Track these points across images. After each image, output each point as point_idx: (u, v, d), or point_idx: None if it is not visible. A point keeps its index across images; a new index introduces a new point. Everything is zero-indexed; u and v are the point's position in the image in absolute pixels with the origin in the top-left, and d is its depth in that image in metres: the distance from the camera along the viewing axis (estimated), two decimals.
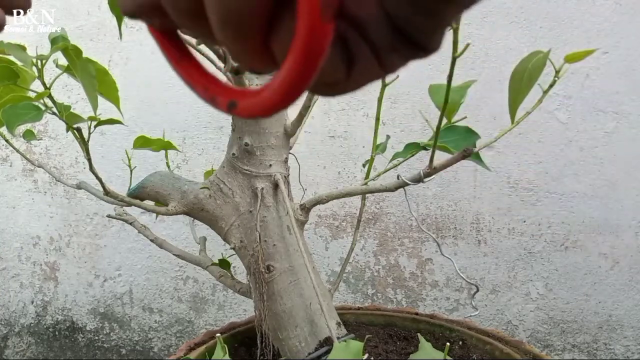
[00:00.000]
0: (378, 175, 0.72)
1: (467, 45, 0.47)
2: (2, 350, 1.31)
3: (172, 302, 1.22)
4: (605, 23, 1.00)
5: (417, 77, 1.06)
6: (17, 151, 0.77)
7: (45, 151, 1.25)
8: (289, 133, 0.65)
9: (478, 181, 1.07)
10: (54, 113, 0.51)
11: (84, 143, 0.54)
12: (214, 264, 0.74)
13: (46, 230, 1.27)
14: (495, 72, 1.05)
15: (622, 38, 1.00)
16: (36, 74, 0.49)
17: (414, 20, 0.15)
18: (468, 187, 1.07)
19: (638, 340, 1.04)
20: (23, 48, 0.48)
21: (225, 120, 1.15)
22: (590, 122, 1.03)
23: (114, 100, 0.55)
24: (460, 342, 0.73)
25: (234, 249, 0.66)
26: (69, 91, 1.22)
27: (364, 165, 0.74)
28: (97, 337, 1.26)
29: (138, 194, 0.70)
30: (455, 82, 0.52)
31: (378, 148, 0.70)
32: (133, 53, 1.18)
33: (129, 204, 0.65)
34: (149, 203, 0.68)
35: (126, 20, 1.16)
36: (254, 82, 0.62)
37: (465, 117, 0.60)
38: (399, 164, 0.70)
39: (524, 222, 1.06)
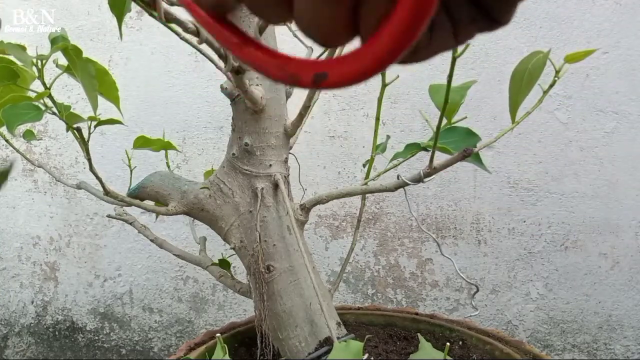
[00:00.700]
0: (378, 175, 0.72)
1: (467, 45, 0.47)
2: (2, 350, 1.31)
3: (172, 302, 1.22)
4: (605, 23, 1.00)
5: (417, 77, 1.07)
6: (17, 151, 0.77)
7: (45, 151, 1.25)
8: (289, 133, 0.65)
9: (478, 181, 1.07)
10: (54, 113, 0.51)
11: (84, 143, 0.54)
12: (214, 264, 0.74)
13: (46, 230, 1.27)
14: (495, 72, 1.05)
15: (622, 38, 1.00)
16: (36, 74, 0.49)
17: None
18: (468, 187, 1.07)
19: (638, 340, 1.04)
20: (23, 48, 0.48)
21: (225, 120, 1.15)
22: (590, 122, 1.03)
23: (114, 100, 0.55)
24: (460, 342, 0.73)
25: (234, 249, 0.66)
26: (69, 91, 1.22)
27: (364, 165, 0.74)
28: (97, 337, 1.26)
29: (138, 194, 0.70)
30: (455, 82, 0.52)
31: (378, 148, 0.70)
32: (133, 53, 1.18)
33: (129, 204, 0.65)
34: (149, 203, 0.68)
35: (126, 20, 1.16)
36: (254, 81, 0.62)
37: (465, 117, 0.60)
38: (399, 164, 0.70)
39: (524, 222, 1.06)
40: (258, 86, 0.62)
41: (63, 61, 0.50)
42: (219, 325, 1.03)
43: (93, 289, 1.26)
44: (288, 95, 0.68)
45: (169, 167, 0.79)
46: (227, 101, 0.64)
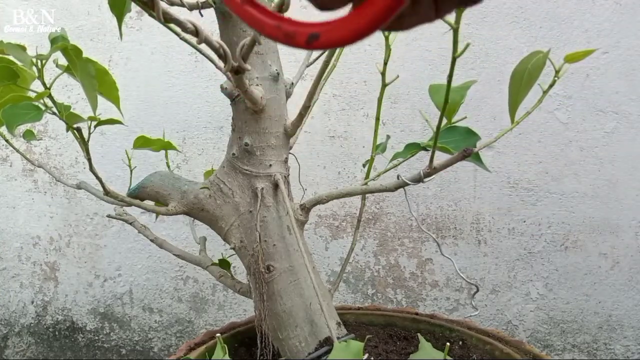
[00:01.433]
0: (378, 175, 0.72)
1: (467, 45, 0.47)
2: (2, 350, 1.31)
3: (172, 302, 1.22)
4: (605, 23, 1.00)
5: (417, 77, 1.07)
6: (17, 151, 0.77)
7: (45, 151, 1.25)
8: (289, 133, 0.65)
9: (478, 181, 1.07)
10: (54, 113, 0.51)
11: (84, 143, 0.54)
12: (214, 264, 0.74)
13: (46, 230, 1.27)
14: (495, 72, 1.05)
15: (622, 38, 1.00)
16: (36, 74, 0.49)
17: None
18: (468, 187, 1.07)
19: (638, 340, 1.04)
20: (23, 48, 0.48)
21: (225, 120, 1.15)
22: (590, 122, 1.03)
23: (114, 100, 0.55)
24: (460, 342, 0.73)
25: (234, 249, 0.66)
26: (69, 91, 1.22)
27: (364, 165, 0.74)
28: (97, 337, 1.26)
29: (138, 194, 0.70)
30: (455, 82, 0.52)
31: (378, 148, 0.70)
32: (133, 53, 1.18)
33: (129, 204, 0.65)
34: (149, 203, 0.68)
35: (126, 20, 1.16)
36: (254, 81, 0.62)
37: (465, 117, 0.60)
38: (399, 164, 0.70)
39: (524, 222, 1.06)
40: (258, 86, 0.62)
41: (63, 61, 0.50)
42: (219, 325, 1.03)
43: (93, 289, 1.26)
44: (288, 95, 0.68)
45: (169, 167, 0.79)
46: (227, 101, 0.64)
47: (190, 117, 1.17)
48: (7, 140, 0.72)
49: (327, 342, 0.62)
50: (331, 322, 0.63)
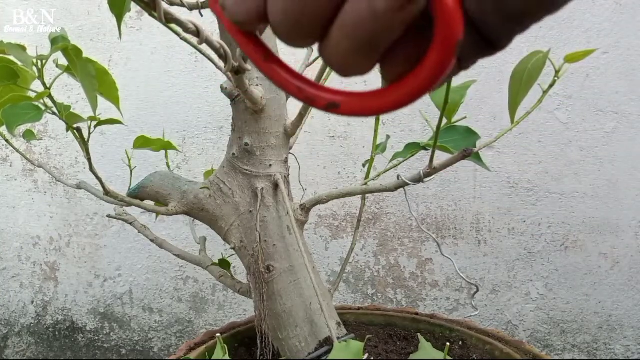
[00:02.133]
0: (378, 175, 0.72)
1: None
2: (2, 350, 1.31)
3: (172, 302, 1.22)
4: (605, 23, 1.00)
5: None
6: (17, 151, 0.77)
7: (45, 151, 1.25)
8: (289, 133, 0.65)
9: (478, 181, 1.07)
10: (54, 113, 0.51)
11: (84, 143, 0.54)
12: (214, 264, 0.74)
13: (46, 230, 1.27)
14: (495, 72, 1.05)
15: (622, 38, 1.00)
16: (36, 74, 0.49)
17: (500, 28, 0.17)
18: (468, 187, 1.07)
19: (638, 340, 1.04)
20: (23, 48, 0.48)
21: (225, 120, 1.15)
22: (590, 122, 1.03)
23: (114, 100, 0.55)
24: (460, 342, 0.73)
25: (234, 249, 0.66)
26: (69, 91, 1.22)
27: (364, 165, 0.74)
28: (97, 337, 1.26)
29: (138, 194, 0.70)
30: (455, 82, 0.52)
31: (378, 148, 0.70)
32: (133, 53, 1.18)
33: (129, 204, 0.65)
34: (149, 203, 0.68)
35: (126, 20, 1.16)
36: (254, 81, 0.62)
37: (465, 117, 0.60)
38: (399, 164, 0.70)
39: (524, 222, 1.06)
40: (258, 86, 0.62)
41: (63, 61, 0.50)
42: (219, 325, 1.03)
43: (93, 289, 1.26)
44: (288, 96, 0.68)
45: (169, 167, 0.79)
46: (227, 101, 0.64)
47: (190, 117, 1.17)
48: (7, 140, 0.72)
49: (327, 342, 0.62)
50: (331, 322, 0.63)
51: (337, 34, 0.17)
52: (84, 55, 0.48)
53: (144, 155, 1.13)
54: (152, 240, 0.75)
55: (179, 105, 1.17)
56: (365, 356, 0.55)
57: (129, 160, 0.68)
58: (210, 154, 1.17)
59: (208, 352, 0.69)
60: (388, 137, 0.74)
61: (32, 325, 1.30)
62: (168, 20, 0.37)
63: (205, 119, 1.17)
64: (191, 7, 0.57)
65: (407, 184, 0.58)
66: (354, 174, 1.12)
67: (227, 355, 0.59)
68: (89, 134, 0.55)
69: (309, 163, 1.12)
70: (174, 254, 0.75)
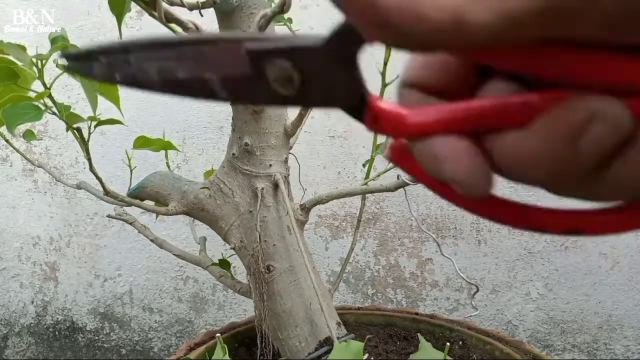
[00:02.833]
0: (378, 175, 0.72)
1: None
2: (2, 350, 1.31)
3: (172, 302, 1.22)
4: None
5: None
6: (17, 151, 0.77)
7: (45, 151, 1.25)
8: (289, 133, 0.65)
9: None
10: (54, 113, 0.51)
11: (84, 143, 0.54)
12: (214, 264, 0.74)
13: (46, 230, 1.27)
14: None
15: None
16: (36, 74, 0.49)
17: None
18: None
19: (638, 340, 1.04)
20: (23, 48, 0.48)
21: (225, 120, 1.15)
22: None
23: (114, 100, 0.55)
24: (460, 342, 0.73)
25: (234, 249, 0.66)
26: (69, 91, 1.22)
27: (364, 165, 0.74)
28: (97, 337, 1.26)
29: (138, 194, 0.70)
30: None
31: (378, 148, 0.70)
32: None
33: (129, 204, 0.65)
34: (149, 203, 0.68)
35: (126, 20, 1.16)
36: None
37: None
38: None
39: None
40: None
41: (63, 61, 0.50)
42: (219, 325, 1.03)
43: (93, 289, 1.26)
44: None
45: (169, 167, 0.79)
46: None
47: (190, 117, 1.17)
48: (7, 140, 0.72)
49: (327, 342, 0.62)
50: (331, 322, 0.63)
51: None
52: None
53: (144, 155, 1.12)
54: (152, 240, 0.74)
55: (179, 105, 1.17)
56: (365, 356, 0.55)
57: (129, 160, 0.68)
58: (210, 154, 1.17)
59: (208, 352, 0.69)
60: (388, 137, 0.74)
61: (32, 325, 1.30)
62: (168, 20, 0.37)
63: (205, 119, 1.17)
64: (191, 7, 0.57)
65: (407, 184, 0.58)
66: (354, 174, 1.12)
67: (227, 355, 0.59)
68: (89, 134, 0.55)
69: (309, 163, 1.12)
70: (174, 254, 0.75)
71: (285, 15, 0.71)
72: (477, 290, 0.77)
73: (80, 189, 0.71)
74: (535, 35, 0.13)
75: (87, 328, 1.27)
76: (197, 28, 0.39)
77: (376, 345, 0.71)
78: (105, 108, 0.59)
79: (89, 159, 0.56)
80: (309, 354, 0.61)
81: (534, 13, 0.12)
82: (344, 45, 0.16)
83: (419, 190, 1.09)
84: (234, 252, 0.67)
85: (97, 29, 1.20)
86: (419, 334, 0.67)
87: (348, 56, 0.16)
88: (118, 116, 0.56)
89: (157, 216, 0.74)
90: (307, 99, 0.17)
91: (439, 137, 0.16)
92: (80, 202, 1.24)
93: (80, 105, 1.21)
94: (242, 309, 1.19)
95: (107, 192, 0.62)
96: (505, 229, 1.07)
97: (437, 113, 0.16)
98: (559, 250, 1.05)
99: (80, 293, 1.27)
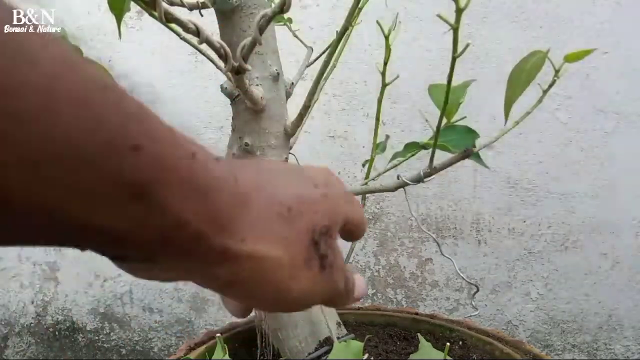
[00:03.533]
0: (378, 175, 0.72)
1: (467, 45, 0.47)
2: (2, 350, 1.32)
3: (172, 302, 1.22)
4: (605, 23, 1.00)
5: (417, 77, 1.06)
6: None
7: None
8: (289, 133, 0.65)
9: (478, 181, 1.07)
10: None
11: None
12: None
13: None
14: (495, 72, 1.05)
15: (622, 38, 1.00)
16: None
17: None
18: (468, 187, 1.07)
19: (638, 340, 1.04)
20: None
21: (225, 120, 1.15)
22: (590, 122, 1.03)
23: None
24: (460, 342, 0.73)
25: None
26: None
27: (363, 165, 0.74)
28: (97, 337, 1.26)
29: None
30: (455, 82, 0.52)
31: (378, 148, 0.70)
32: (133, 53, 1.18)
33: None
34: None
35: (126, 20, 1.16)
36: (254, 81, 0.62)
37: (465, 117, 0.60)
38: (399, 164, 0.70)
39: (524, 222, 1.06)
40: (258, 86, 0.62)
41: None
42: (219, 325, 1.03)
43: (93, 289, 1.26)
44: (288, 95, 0.68)
45: None
46: (227, 101, 0.64)
47: (190, 117, 1.17)
48: None
49: (327, 342, 0.62)
50: (331, 322, 0.63)
51: None
52: (84, 55, 0.48)
53: None
54: None
55: (179, 105, 1.17)
56: (365, 356, 0.55)
57: None
58: None
59: (208, 352, 0.69)
60: (388, 137, 0.74)
61: (32, 325, 1.30)
62: (168, 20, 0.37)
63: (205, 119, 1.17)
64: (191, 7, 0.57)
65: (407, 184, 0.58)
66: (354, 174, 1.12)
67: (227, 355, 0.59)
68: None
69: (309, 163, 1.12)
70: None
71: (285, 15, 0.71)
72: (477, 290, 0.77)
73: None
74: None
75: (87, 328, 1.27)
76: (197, 29, 0.39)
77: (376, 345, 0.71)
78: None
79: None
80: (309, 354, 0.61)
81: None
82: None
83: (419, 190, 1.09)
84: None
85: (97, 29, 1.20)
86: (419, 334, 0.67)
87: None
88: None
89: None
90: None
91: None
92: None
93: None
94: None
95: None
96: (505, 229, 1.07)
97: None
98: (559, 250, 1.05)
99: (80, 293, 1.27)
